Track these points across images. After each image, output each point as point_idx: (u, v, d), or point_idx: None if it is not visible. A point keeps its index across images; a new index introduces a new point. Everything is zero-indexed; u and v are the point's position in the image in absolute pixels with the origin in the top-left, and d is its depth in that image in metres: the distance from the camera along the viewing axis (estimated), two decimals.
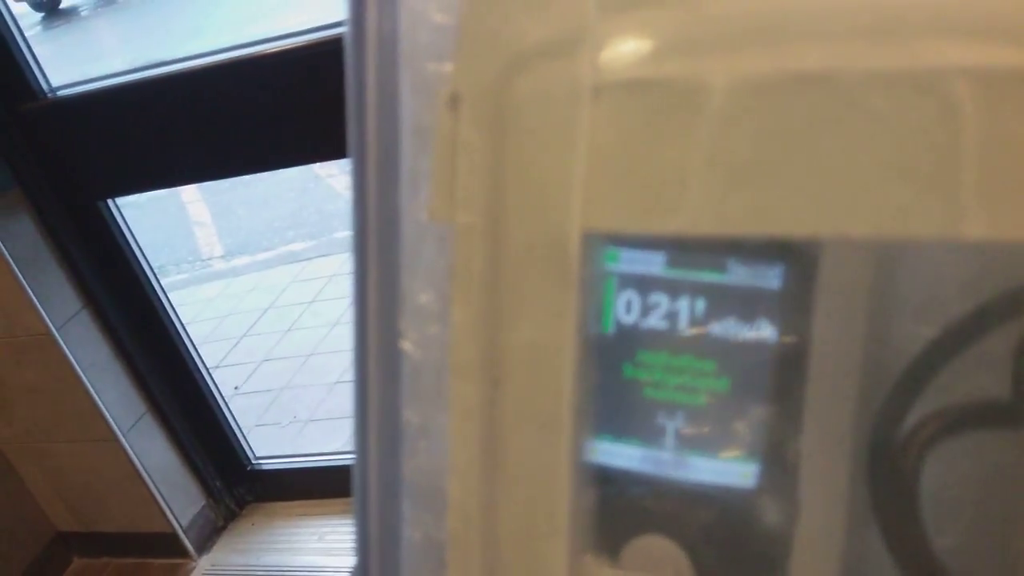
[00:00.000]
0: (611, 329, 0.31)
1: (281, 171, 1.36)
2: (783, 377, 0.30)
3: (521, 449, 0.31)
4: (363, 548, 0.33)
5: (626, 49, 0.28)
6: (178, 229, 3.04)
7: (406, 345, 0.33)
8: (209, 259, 2.97)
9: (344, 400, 1.88)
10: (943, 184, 0.25)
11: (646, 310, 0.31)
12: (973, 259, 0.28)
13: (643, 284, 0.31)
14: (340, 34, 0.33)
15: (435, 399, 0.33)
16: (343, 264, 2.46)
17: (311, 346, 2.22)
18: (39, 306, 1.40)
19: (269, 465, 1.76)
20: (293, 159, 1.38)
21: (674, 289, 0.31)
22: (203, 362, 1.65)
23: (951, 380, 0.28)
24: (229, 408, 1.70)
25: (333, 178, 3.10)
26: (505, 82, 0.29)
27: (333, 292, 2.45)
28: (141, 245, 1.52)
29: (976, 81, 0.25)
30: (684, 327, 0.31)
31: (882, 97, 0.26)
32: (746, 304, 0.30)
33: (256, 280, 2.73)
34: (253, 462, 1.75)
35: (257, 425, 1.85)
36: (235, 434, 1.71)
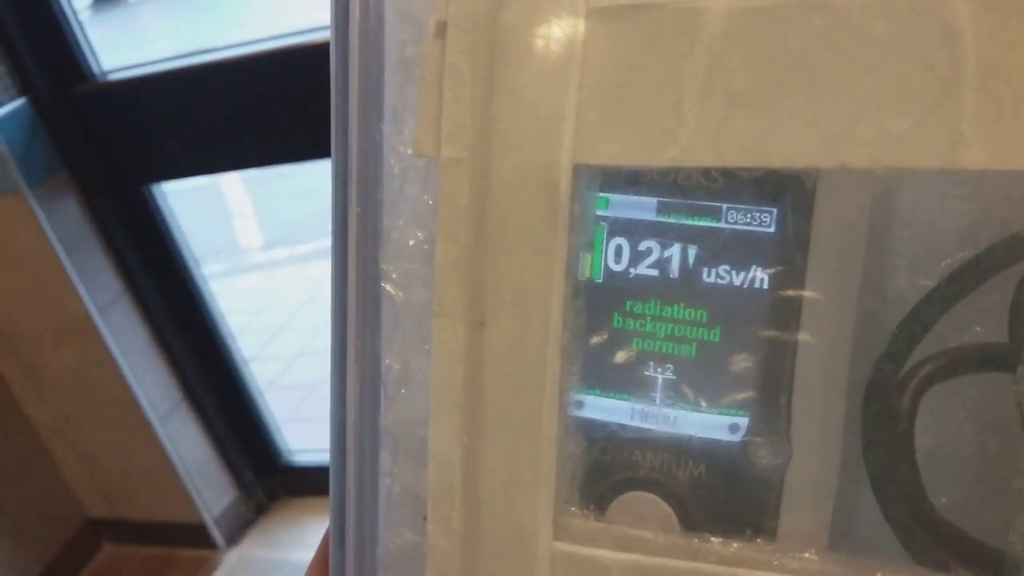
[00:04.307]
0: (600, 277, 0.30)
1: (325, 162, 1.36)
2: (777, 326, 0.28)
3: (506, 395, 0.30)
4: (339, 504, 0.32)
5: None
6: (218, 219, 3.06)
7: (388, 286, 0.32)
8: (248, 250, 2.98)
9: None
10: (943, 112, 0.24)
11: (636, 257, 0.30)
12: (971, 203, 0.26)
13: (633, 230, 0.30)
14: None
15: (417, 343, 0.32)
16: None
17: None
18: (81, 289, 1.42)
19: (301, 460, 1.76)
20: None
21: (665, 235, 0.29)
22: (240, 353, 1.65)
23: (947, 328, 0.26)
24: (264, 401, 1.70)
25: None
26: (495, 7, 0.28)
27: None
28: (182, 233, 1.53)
29: (977, 5, 0.23)
30: (675, 275, 0.29)
31: (882, 21, 0.24)
32: (739, 250, 0.29)
33: (295, 273, 2.73)
34: (286, 457, 1.75)
35: (291, 420, 1.85)
36: (268, 428, 1.72)
